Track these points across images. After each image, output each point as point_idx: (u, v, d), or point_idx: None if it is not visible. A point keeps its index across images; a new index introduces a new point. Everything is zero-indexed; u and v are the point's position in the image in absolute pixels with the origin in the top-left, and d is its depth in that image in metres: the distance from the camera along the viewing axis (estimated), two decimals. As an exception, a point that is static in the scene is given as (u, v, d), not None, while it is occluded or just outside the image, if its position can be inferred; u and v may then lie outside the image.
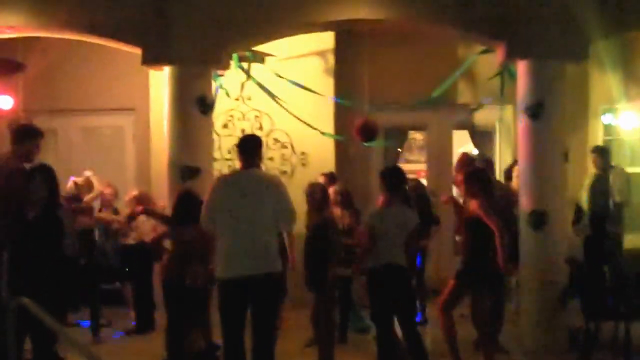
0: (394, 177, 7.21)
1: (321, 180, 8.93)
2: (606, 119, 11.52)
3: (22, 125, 7.87)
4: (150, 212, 8.46)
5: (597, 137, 11.39)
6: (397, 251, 6.90)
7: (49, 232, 6.56)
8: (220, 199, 6.16)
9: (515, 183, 9.35)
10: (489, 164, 9.36)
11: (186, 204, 7.28)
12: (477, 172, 7.66)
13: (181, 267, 7.17)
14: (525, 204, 8.27)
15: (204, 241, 6.74)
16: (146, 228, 9.49)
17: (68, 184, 9.54)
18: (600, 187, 9.99)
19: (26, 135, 7.08)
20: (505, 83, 9.58)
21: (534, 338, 8.18)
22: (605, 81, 11.08)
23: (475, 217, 7.14)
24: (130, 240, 9.64)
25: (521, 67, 8.41)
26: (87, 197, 9.61)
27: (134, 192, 9.64)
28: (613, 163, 10.29)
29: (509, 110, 10.91)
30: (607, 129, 11.54)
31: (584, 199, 10.04)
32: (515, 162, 9.88)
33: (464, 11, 8.35)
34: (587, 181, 10.14)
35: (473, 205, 7.21)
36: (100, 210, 9.96)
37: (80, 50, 10.70)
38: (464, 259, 7.29)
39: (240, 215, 6.05)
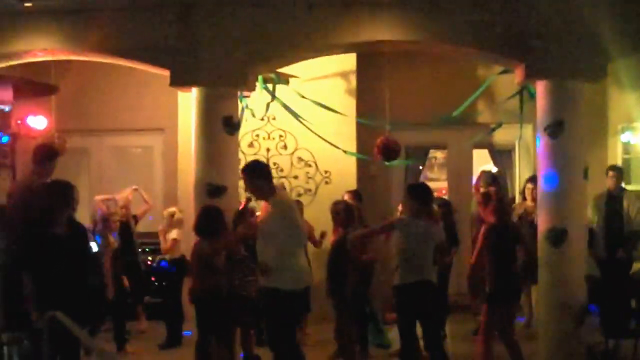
0: (422, 193, 7.13)
1: (346, 197, 8.88)
2: (625, 137, 11.37)
3: (40, 145, 7.92)
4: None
5: (616, 155, 11.25)
6: (427, 267, 6.84)
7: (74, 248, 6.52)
8: None
9: (528, 200, 9.26)
10: (495, 179, 9.29)
11: (206, 218, 7.27)
12: (487, 193, 7.63)
13: (202, 280, 7.16)
14: (544, 221, 8.15)
15: (222, 254, 6.75)
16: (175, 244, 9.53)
17: (96, 204, 9.51)
18: (614, 207, 9.76)
19: (46, 155, 7.17)
20: (524, 102, 9.49)
21: (551, 355, 8.03)
22: (624, 100, 10.97)
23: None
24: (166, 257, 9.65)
25: (540, 87, 8.33)
26: (139, 212, 9.82)
27: (172, 210, 9.67)
28: (628, 186, 10.09)
29: (528, 129, 10.81)
30: (626, 147, 11.39)
31: (594, 218, 9.76)
32: (527, 180, 9.80)
33: (483, 33, 8.28)
34: (598, 200, 9.87)
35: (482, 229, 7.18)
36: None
37: (111, 72, 10.76)
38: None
39: None
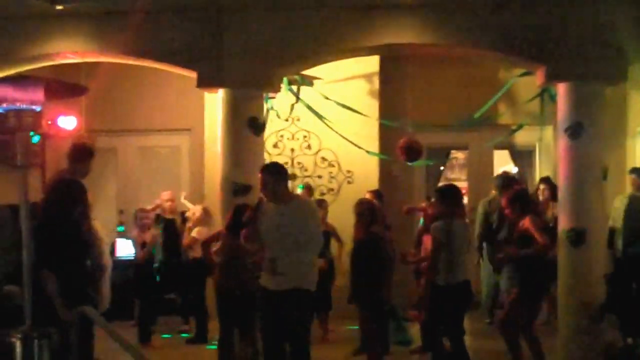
0: (454, 194, 7.15)
1: (368, 197, 8.88)
2: (644, 139, 11.27)
3: (78, 144, 7.95)
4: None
5: (635, 157, 11.16)
6: (468, 266, 6.93)
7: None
8: None
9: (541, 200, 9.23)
10: (512, 181, 9.25)
11: (239, 216, 7.25)
12: (517, 193, 7.55)
13: (229, 276, 7.21)
14: (564, 221, 8.13)
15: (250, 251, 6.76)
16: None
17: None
18: (636, 209, 9.67)
19: (81, 154, 7.17)
20: (545, 104, 9.45)
21: (570, 353, 8.00)
22: (643, 102, 10.88)
23: (525, 234, 7.05)
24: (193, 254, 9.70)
25: (561, 89, 8.30)
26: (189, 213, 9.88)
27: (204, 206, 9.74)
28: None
29: (548, 130, 10.76)
30: (645, 149, 11.30)
31: (617, 219, 9.66)
32: (540, 181, 9.75)
33: (504, 35, 8.27)
34: (621, 202, 9.76)
35: (525, 223, 7.09)
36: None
37: (139, 74, 10.84)
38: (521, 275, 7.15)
39: None
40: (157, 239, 9.71)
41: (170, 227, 10.11)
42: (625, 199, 9.56)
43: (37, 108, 10.00)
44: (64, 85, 10.13)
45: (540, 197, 9.34)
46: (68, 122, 10.29)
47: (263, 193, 6.37)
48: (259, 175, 6.38)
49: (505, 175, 9.97)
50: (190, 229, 9.68)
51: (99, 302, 8.29)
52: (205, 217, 9.62)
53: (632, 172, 9.90)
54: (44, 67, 9.35)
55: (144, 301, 9.41)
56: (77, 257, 6.46)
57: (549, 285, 7.68)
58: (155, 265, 9.70)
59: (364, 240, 7.57)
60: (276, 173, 6.37)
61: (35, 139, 9.52)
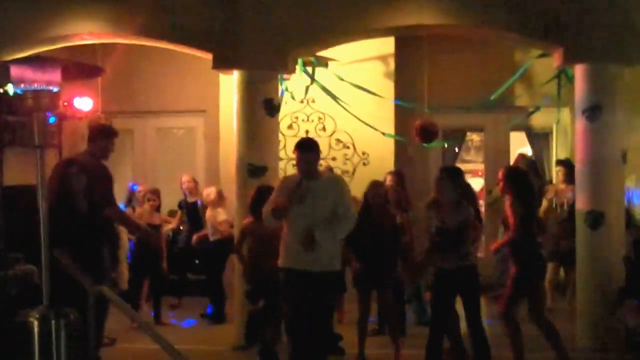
0: (459, 175, 7.02)
1: (388, 179, 8.79)
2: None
3: (98, 124, 7.93)
4: None
5: (654, 140, 11.05)
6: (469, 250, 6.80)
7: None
8: None
9: (557, 183, 9.16)
10: (532, 164, 9.16)
11: (261, 198, 7.14)
12: (513, 172, 7.38)
13: (258, 260, 7.19)
14: (582, 204, 8.05)
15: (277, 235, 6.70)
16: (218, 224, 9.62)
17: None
18: None
19: (101, 134, 7.10)
20: (562, 86, 9.35)
21: (590, 337, 7.94)
22: (661, 84, 10.74)
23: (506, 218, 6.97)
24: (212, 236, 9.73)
25: (578, 71, 8.20)
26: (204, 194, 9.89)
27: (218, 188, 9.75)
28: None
29: (565, 112, 10.66)
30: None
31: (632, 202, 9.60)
32: (557, 163, 9.67)
33: (521, 16, 8.16)
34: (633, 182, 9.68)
35: (507, 204, 7.01)
36: None
37: (155, 55, 10.81)
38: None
39: None
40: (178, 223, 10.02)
41: (193, 210, 10.13)
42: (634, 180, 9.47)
43: (54, 89, 10.00)
44: (80, 67, 10.14)
45: (558, 180, 9.26)
46: (84, 103, 10.31)
47: (299, 169, 6.26)
48: (295, 152, 6.26)
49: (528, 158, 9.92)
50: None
51: (117, 280, 8.35)
52: (219, 200, 9.63)
53: None
54: (60, 49, 9.32)
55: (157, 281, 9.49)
56: (83, 234, 6.48)
57: (542, 269, 7.42)
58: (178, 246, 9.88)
59: (385, 225, 7.52)
60: (316, 149, 6.30)
61: (52, 119, 9.55)
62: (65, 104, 10.16)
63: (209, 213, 9.65)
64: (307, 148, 6.26)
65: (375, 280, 7.45)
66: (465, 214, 6.66)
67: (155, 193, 9.68)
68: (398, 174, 9.14)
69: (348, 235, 6.48)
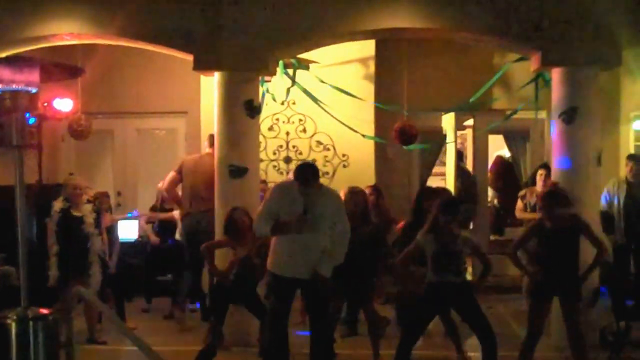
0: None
1: (369, 192, 8.76)
2: (637, 125, 11.25)
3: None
4: None
5: (628, 143, 11.14)
6: None
7: None
8: None
9: (539, 186, 9.18)
10: (509, 166, 9.18)
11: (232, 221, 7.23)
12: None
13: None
14: (558, 206, 8.05)
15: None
16: None
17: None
18: (636, 197, 9.57)
19: None
20: (539, 89, 9.40)
21: (563, 336, 7.93)
22: (636, 88, 10.85)
23: None
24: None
25: (555, 74, 8.24)
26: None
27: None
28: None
29: (542, 115, 10.70)
30: (638, 134, 11.27)
31: (612, 205, 9.56)
32: (540, 166, 9.69)
33: (500, 21, 8.20)
34: (615, 187, 9.65)
35: None
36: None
37: (136, 56, 10.74)
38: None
39: None
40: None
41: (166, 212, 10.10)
42: (623, 184, 9.46)
43: (33, 90, 9.87)
44: (60, 67, 10.04)
45: (539, 182, 9.28)
46: (64, 104, 10.21)
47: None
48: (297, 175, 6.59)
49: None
50: None
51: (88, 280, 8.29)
52: None
53: (631, 159, 9.76)
54: (40, 49, 9.23)
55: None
56: None
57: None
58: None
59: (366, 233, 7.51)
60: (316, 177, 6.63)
61: (31, 120, 9.45)
62: (45, 104, 10.08)
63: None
64: (313, 174, 6.64)
65: (353, 288, 7.46)
66: (470, 244, 6.70)
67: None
68: (376, 189, 9.14)
69: None
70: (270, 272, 6.62)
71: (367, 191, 8.64)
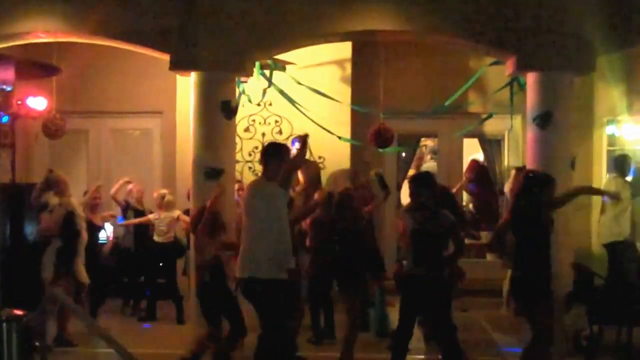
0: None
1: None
2: (610, 129, 11.36)
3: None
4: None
5: (602, 148, 11.24)
6: None
7: None
8: None
9: (510, 187, 9.24)
10: (484, 170, 9.21)
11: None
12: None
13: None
14: (532, 209, 8.10)
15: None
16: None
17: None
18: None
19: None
20: (514, 94, 9.46)
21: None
22: (609, 94, 10.96)
23: None
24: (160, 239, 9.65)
25: (530, 79, 8.31)
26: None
27: (163, 192, 9.72)
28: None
29: (517, 119, 10.78)
30: (611, 139, 11.38)
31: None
32: (516, 170, 9.70)
33: (476, 25, 8.25)
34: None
35: None
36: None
37: (111, 55, 10.66)
38: None
39: None
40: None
41: (140, 215, 9.98)
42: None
43: (8, 88, 9.79)
44: (34, 65, 9.94)
45: (510, 184, 9.33)
46: (38, 103, 10.09)
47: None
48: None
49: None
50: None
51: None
52: (170, 202, 9.66)
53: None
54: (15, 47, 9.15)
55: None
56: None
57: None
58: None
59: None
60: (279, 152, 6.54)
61: (4, 119, 9.38)
62: (19, 102, 9.96)
63: (163, 215, 9.59)
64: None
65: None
66: (445, 223, 6.58)
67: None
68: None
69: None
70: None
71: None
